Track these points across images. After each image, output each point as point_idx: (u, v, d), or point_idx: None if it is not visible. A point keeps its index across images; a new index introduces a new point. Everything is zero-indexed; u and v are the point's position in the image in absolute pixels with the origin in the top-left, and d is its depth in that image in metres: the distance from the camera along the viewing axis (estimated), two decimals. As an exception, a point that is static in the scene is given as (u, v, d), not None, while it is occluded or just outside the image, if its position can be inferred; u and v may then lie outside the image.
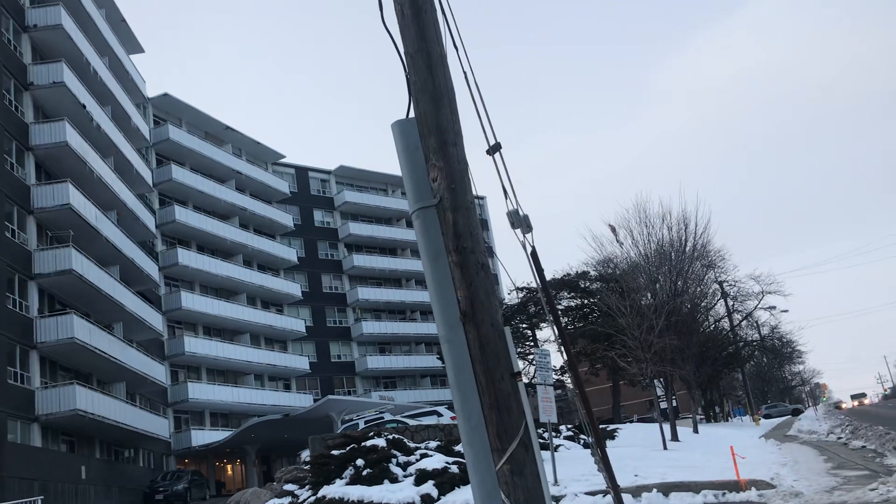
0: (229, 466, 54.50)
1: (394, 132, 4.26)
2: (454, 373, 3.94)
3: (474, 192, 4.33)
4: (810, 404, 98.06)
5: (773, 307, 59.28)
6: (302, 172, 68.92)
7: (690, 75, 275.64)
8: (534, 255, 5.50)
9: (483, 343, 3.91)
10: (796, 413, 63.44)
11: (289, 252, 62.12)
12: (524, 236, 5.09)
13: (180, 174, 52.01)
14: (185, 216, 51.59)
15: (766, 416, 61.17)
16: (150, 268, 44.74)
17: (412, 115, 4.25)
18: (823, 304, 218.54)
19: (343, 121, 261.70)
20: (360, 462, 18.05)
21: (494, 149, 4.73)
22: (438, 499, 16.17)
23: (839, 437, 24.01)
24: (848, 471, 14.64)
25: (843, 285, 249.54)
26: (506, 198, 4.89)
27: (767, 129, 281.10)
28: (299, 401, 55.45)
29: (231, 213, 56.99)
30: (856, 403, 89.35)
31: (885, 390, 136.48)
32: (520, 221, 5.03)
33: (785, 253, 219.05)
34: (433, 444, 20.95)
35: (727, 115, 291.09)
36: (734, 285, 55.35)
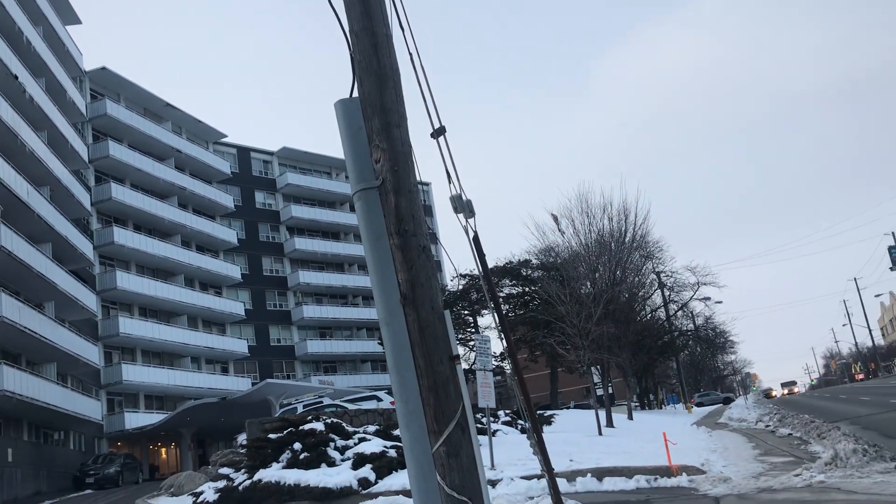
0: (164, 450, 53.64)
1: (337, 112, 4.21)
2: (393, 355, 3.93)
3: (419, 178, 4.30)
4: (741, 393, 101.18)
5: (708, 298, 60.86)
6: (244, 153, 67.83)
7: (636, 67, 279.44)
8: (476, 240, 5.52)
9: (423, 326, 3.90)
10: (727, 402, 65.29)
11: (229, 234, 61.16)
12: (466, 221, 5.10)
13: (118, 151, 50.66)
14: (122, 194, 50.31)
15: (699, 405, 62.75)
16: (85, 246, 43.55)
17: (356, 94, 4.20)
18: (756, 296, 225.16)
19: (287, 102, 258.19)
20: (297, 446, 17.95)
21: (439, 132, 4.72)
22: (376, 482, 16.19)
23: (767, 425, 24.75)
24: (774, 457, 15.11)
25: (775, 278, 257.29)
26: (449, 182, 4.89)
27: (709, 124, 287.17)
28: (237, 384, 54.81)
29: (170, 192, 55.79)
30: (785, 392, 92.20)
31: (812, 380, 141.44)
32: (462, 206, 5.03)
33: (721, 245, 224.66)
34: (372, 428, 20.96)
35: (671, 109, 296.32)
36: (671, 276, 56.52)
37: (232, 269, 60.22)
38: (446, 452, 3.74)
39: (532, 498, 8.79)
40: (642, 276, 52.35)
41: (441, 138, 4.76)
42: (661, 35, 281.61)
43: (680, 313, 62.77)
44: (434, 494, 3.73)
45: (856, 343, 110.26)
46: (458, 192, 4.92)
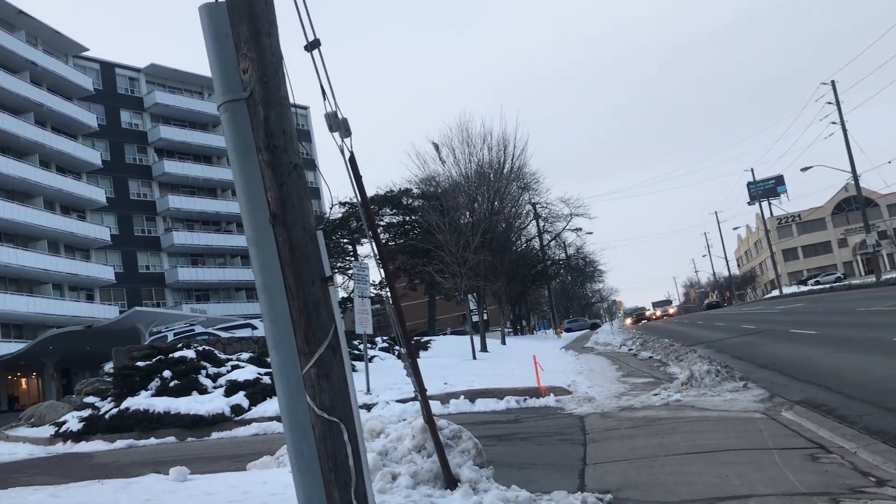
0: (24, 380, 51.28)
1: (201, 16, 3.91)
2: (262, 276, 3.79)
3: (293, 100, 4.08)
4: (607, 319, 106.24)
5: (580, 229, 62.99)
6: (108, 68, 63.68)
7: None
8: (352, 161, 5.37)
9: (293, 246, 3.77)
10: (594, 327, 68.40)
11: (92, 154, 57.75)
12: (342, 140, 4.93)
13: (-37, 60, 46.51)
14: (-30, 108, 46.44)
15: (568, 330, 65.44)
16: (-72, 164, 40.14)
17: (223, -1, 3.91)
18: (625, 227, 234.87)
19: (155, 14, 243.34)
20: (167, 374, 17.50)
21: (313, 45, 4.49)
22: (249, 409, 16.05)
23: (630, 349, 26.04)
24: (636, 378, 15.96)
25: (644, 211, 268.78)
26: (324, 99, 4.69)
27: (599, 60, 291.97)
28: (104, 312, 52.68)
29: (25, 108, 51.90)
30: (658, 314, 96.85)
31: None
32: (338, 124, 4.85)
33: (594, 179, 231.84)
34: (245, 355, 20.67)
35: (553, 43, 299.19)
36: (546, 207, 58.04)
37: (96, 192, 57.14)
38: (317, 374, 3.68)
39: (405, 419, 8.97)
40: (519, 206, 53.48)
41: (316, 52, 4.54)
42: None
43: (553, 243, 64.79)
44: (303, 416, 3.67)
45: (714, 273, 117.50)
46: (334, 109, 4.74)
